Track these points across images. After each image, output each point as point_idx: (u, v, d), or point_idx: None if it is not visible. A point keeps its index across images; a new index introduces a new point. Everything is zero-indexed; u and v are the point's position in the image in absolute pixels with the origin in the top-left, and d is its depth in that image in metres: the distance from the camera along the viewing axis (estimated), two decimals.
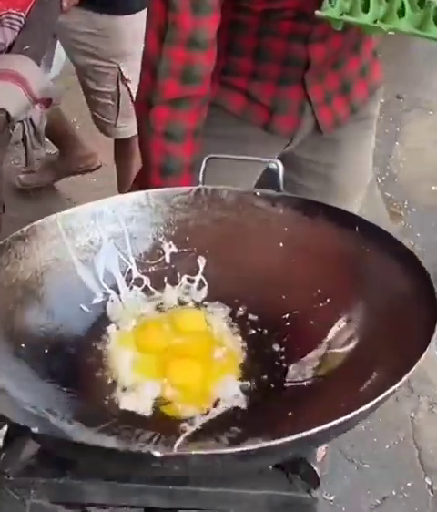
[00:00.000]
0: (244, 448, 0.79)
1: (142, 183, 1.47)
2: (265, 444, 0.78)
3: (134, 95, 2.14)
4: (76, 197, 3.00)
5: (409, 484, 2.23)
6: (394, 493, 2.20)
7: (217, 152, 1.33)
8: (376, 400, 0.85)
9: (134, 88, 2.14)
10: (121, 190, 2.56)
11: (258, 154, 1.52)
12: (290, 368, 1.12)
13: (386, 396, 0.86)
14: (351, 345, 1.09)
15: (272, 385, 1.12)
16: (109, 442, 0.97)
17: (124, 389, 1.12)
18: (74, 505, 1.09)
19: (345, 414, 0.84)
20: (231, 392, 1.11)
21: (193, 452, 0.79)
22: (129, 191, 1.48)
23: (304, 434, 0.79)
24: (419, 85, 3.95)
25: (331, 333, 1.12)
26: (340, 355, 1.09)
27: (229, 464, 0.85)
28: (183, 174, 1.42)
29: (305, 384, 1.09)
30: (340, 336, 1.12)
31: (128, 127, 2.39)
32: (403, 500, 2.19)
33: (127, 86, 2.33)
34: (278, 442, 0.79)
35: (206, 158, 1.29)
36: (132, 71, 2.23)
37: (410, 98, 3.87)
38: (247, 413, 1.08)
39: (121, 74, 2.32)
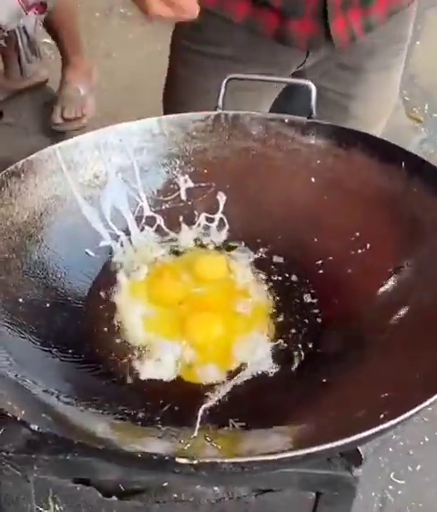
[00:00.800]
0: (286, 455, 0.66)
1: None
2: (312, 449, 0.66)
3: None
4: None
5: (429, 408, 2.15)
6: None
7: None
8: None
9: None
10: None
11: (270, 73, 1.35)
12: (327, 332, 0.99)
13: None
14: (401, 313, 0.94)
15: (303, 345, 1.00)
16: (107, 431, 0.84)
17: (137, 351, 1.00)
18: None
19: (403, 404, 0.71)
20: (258, 352, 0.99)
21: (226, 460, 0.67)
22: None
23: (356, 437, 0.67)
24: None
25: (376, 294, 0.98)
26: (388, 325, 0.95)
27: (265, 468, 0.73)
28: None
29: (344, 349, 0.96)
30: (387, 301, 0.97)
31: None
32: (424, 425, 2.11)
33: None
34: (326, 447, 0.66)
35: (225, 80, 1.14)
36: None
37: None
38: (275, 378, 0.96)
39: None
